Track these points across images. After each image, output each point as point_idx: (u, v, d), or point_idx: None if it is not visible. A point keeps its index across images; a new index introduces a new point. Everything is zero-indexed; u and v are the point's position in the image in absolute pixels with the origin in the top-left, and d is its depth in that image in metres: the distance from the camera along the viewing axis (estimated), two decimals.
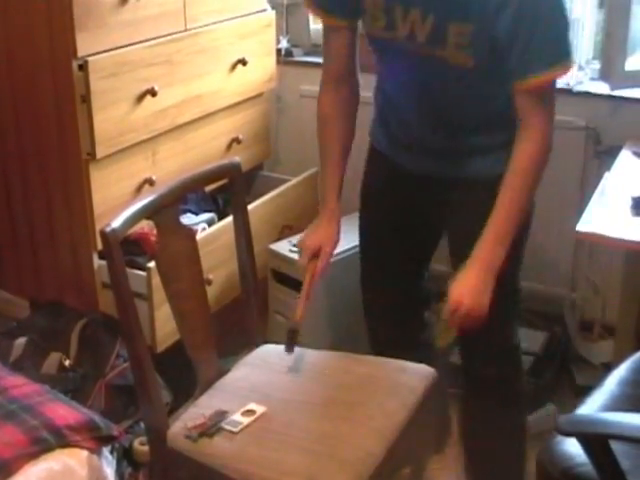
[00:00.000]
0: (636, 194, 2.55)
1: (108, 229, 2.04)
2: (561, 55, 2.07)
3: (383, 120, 2.44)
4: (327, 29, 2.34)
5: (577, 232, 2.45)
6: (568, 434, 1.78)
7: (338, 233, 2.38)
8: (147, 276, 2.67)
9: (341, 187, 2.38)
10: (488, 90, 2.18)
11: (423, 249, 2.59)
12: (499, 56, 2.05)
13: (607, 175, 2.77)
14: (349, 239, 2.65)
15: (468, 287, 2.11)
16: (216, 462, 2.07)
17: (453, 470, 2.78)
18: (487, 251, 2.12)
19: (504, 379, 2.46)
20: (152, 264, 2.59)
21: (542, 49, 2.04)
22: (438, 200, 2.39)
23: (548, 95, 2.13)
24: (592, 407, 2.05)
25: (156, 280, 2.44)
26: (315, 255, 2.34)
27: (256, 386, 2.30)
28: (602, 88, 3.22)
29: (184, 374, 2.43)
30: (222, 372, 2.38)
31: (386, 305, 2.61)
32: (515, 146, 2.12)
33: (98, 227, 2.55)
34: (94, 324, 2.76)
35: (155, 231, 2.32)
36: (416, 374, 2.33)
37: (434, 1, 2.05)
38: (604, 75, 3.22)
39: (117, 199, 2.78)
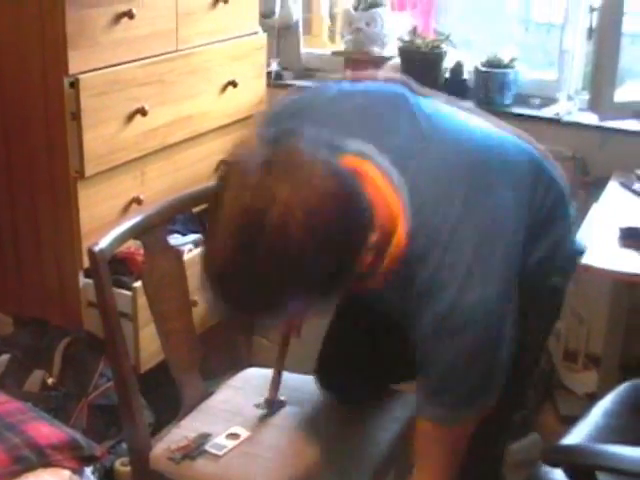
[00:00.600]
0: (624, 225, 2.56)
1: (96, 248, 2.03)
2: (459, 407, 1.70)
3: None
4: None
5: None
6: (555, 464, 1.78)
7: None
8: (132, 296, 2.65)
9: None
10: None
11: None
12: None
13: (595, 206, 2.78)
14: None
15: None
16: None
17: None
18: None
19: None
20: (138, 284, 2.58)
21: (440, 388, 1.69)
22: None
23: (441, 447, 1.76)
24: (577, 438, 2.05)
25: (142, 300, 2.42)
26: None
27: (241, 409, 2.29)
28: (591, 119, 3.23)
29: (167, 395, 2.42)
30: (207, 394, 2.36)
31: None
32: None
33: (85, 245, 2.55)
34: (78, 342, 2.75)
35: (142, 251, 2.31)
36: (400, 403, 2.32)
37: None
38: (593, 106, 3.24)
39: (105, 217, 2.76)
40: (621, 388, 2.27)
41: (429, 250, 1.62)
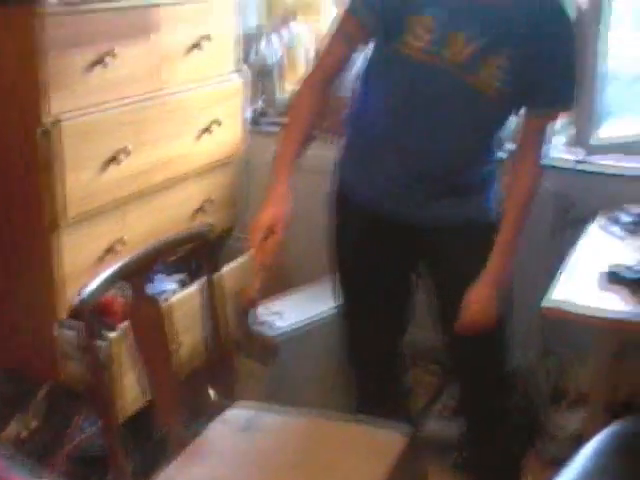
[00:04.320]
0: (608, 268, 2.53)
1: (78, 299, 2.02)
2: (572, 94, 2.34)
3: (362, 161, 2.43)
4: (338, 35, 2.38)
5: (542, 308, 2.37)
6: None
7: (288, 214, 2.31)
8: (109, 346, 2.57)
9: (294, 165, 2.35)
10: (495, 119, 2.38)
11: (407, 304, 2.63)
12: (525, 88, 2.26)
13: (577, 246, 2.76)
14: (317, 306, 2.63)
15: (479, 296, 2.34)
16: None
17: None
18: (497, 266, 2.36)
19: (503, 409, 2.69)
20: (114, 334, 2.56)
21: (566, 87, 2.31)
22: (423, 251, 2.48)
23: (548, 130, 2.39)
24: None
25: (118, 349, 2.41)
26: (265, 237, 2.27)
27: (226, 451, 2.26)
28: (574, 157, 3.22)
29: (146, 442, 2.38)
30: (193, 434, 2.32)
31: (372, 359, 2.67)
32: (515, 178, 2.38)
33: (67, 293, 2.57)
34: (55, 393, 2.70)
35: (120, 299, 2.29)
36: (393, 433, 2.29)
37: (480, 29, 2.19)
38: (576, 144, 3.24)
39: (86, 262, 2.75)
40: (608, 430, 2.24)
41: None
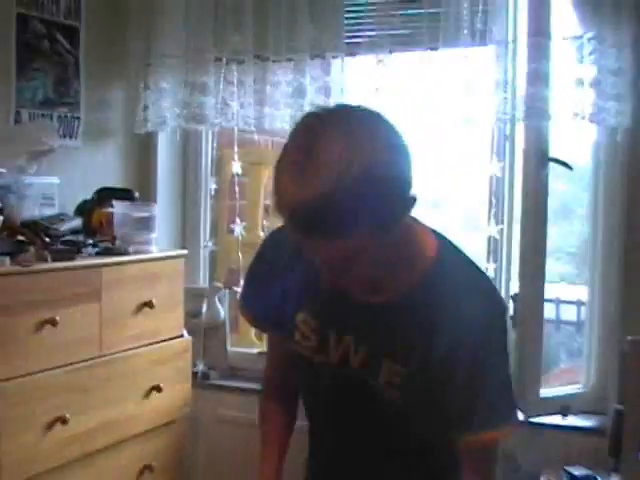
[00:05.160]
0: None
1: None
2: (510, 412, 1.89)
3: None
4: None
5: None
6: None
7: None
8: None
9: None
10: (424, 440, 1.93)
11: None
12: (438, 403, 1.83)
13: None
14: None
15: None
16: None
17: None
18: None
19: None
20: None
21: (496, 403, 1.83)
22: None
23: (494, 453, 1.95)
24: None
25: None
26: None
27: None
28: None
29: None
30: None
31: None
32: None
33: None
34: None
35: None
36: None
37: (367, 334, 1.86)
38: (519, 401, 3.24)
39: None
40: None
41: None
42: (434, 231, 1.86)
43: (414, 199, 1.63)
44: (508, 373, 1.85)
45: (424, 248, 1.80)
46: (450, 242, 1.86)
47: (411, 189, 1.62)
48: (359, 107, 1.67)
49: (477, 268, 1.88)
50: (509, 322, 1.92)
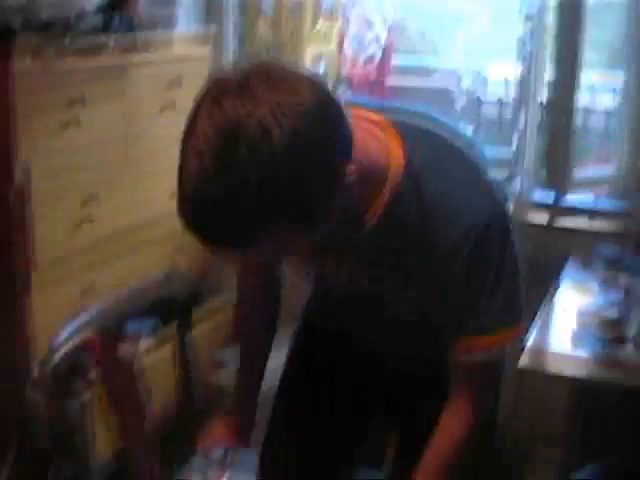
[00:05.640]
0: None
1: (42, 368, 2.02)
2: (513, 315, 1.78)
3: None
4: None
5: None
6: None
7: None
8: (81, 410, 2.54)
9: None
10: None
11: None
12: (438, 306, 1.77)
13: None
14: None
15: None
16: None
17: None
18: None
19: None
20: (86, 397, 2.54)
21: (494, 304, 1.72)
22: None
23: (492, 370, 1.85)
24: None
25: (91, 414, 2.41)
26: None
27: None
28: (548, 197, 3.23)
29: None
30: None
31: None
32: (441, 419, 1.81)
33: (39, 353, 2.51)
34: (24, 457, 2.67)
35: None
36: None
37: (365, 256, 1.76)
38: (552, 181, 3.25)
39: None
40: None
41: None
42: (399, 132, 1.67)
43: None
44: (510, 277, 1.72)
45: (389, 164, 1.63)
46: (422, 140, 1.71)
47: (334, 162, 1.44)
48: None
49: (465, 163, 1.73)
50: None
